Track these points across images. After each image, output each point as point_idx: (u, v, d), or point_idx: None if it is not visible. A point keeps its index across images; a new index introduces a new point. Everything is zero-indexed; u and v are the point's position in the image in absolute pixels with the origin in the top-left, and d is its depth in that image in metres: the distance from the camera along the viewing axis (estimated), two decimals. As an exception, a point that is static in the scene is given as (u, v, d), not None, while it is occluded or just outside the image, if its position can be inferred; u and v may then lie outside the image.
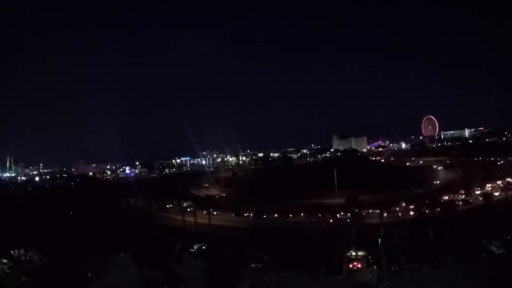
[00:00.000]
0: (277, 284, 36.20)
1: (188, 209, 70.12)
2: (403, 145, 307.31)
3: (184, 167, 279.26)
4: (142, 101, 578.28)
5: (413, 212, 61.67)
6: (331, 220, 59.91)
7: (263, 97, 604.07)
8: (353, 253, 41.67)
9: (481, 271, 35.24)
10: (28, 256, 34.80)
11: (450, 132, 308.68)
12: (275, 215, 70.13)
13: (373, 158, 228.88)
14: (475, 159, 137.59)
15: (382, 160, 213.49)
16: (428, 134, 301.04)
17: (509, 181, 76.57)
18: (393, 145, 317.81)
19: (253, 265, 40.67)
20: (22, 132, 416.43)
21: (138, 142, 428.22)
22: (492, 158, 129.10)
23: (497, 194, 71.09)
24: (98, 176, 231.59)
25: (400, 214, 62.09)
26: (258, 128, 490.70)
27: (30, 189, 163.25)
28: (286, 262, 41.22)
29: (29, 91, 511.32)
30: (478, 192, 73.20)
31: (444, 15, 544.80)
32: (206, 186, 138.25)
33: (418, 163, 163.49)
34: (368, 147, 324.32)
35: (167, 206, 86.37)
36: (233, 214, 74.67)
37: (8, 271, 33.13)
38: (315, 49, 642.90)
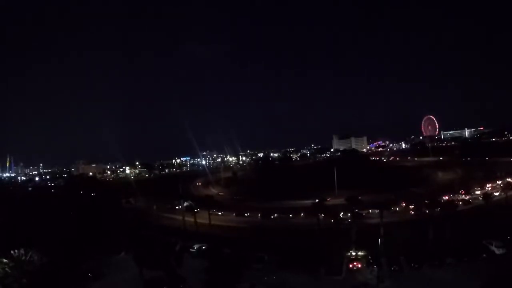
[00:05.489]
0: (277, 284, 36.19)
1: (195, 210, 69.75)
2: (403, 145, 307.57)
3: (184, 167, 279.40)
4: (142, 102, 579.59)
5: (413, 212, 61.67)
6: (332, 220, 59.94)
7: (264, 97, 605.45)
8: (353, 253, 41.64)
9: (481, 271, 35.23)
10: (28, 256, 34.70)
11: (450, 132, 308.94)
12: (275, 215, 70.13)
13: (373, 158, 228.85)
14: (475, 159, 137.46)
15: (384, 160, 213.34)
16: (428, 134, 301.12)
17: (509, 181, 76.54)
18: (393, 145, 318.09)
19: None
20: (22, 132, 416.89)
21: (138, 142, 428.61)
22: (492, 158, 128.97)
23: (497, 194, 71.05)
24: (98, 176, 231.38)
25: (400, 214, 62.09)
26: (258, 128, 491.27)
27: (30, 189, 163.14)
28: (286, 262, 41.24)
29: (30, 91, 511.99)
30: (478, 192, 73.20)
31: (443, 16, 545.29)
32: (206, 186, 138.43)
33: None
34: (368, 147, 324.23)
35: (167, 206, 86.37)
36: (234, 214, 74.76)
37: (9, 271, 33.05)
38: (315, 50, 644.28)
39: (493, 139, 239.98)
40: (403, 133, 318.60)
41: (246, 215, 73.81)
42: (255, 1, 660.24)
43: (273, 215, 69.82)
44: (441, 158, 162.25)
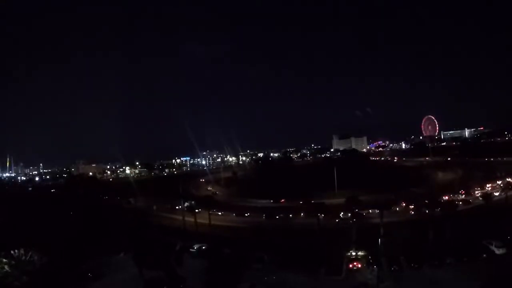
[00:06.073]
0: (277, 284, 36.19)
1: (196, 210, 69.86)
2: (403, 145, 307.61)
3: (184, 167, 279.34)
4: (143, 101, 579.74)
5: (413, 212, 61.65)
6: (336, 220, 59.93)
7: (263, 97, 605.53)
8: (353, 253, 41.64)
9: (481, 271, 35.23)
10: (28, 256, 34.73)
11: (450, 132, 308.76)
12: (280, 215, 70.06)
13: (373, 158, 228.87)
14: (475, 159, 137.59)
15: (389, 159, 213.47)
16: (428, 134, 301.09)
17: (509, 181, 76.53)
18: (393, 145, 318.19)
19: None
20: (22, 132, 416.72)
21: (138, 142, 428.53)
22: (492, 158, 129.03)
23: (497, 194, 71.04)
24: (98, 176, 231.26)
25: (400, 214, 62.10)
26: (258, 128, 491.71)
27: (30, 189, 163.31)
28: (286, 262, 41.24)
29: (30, 91, 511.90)
30: (478, 192, 73.19)
31: (444, 17, 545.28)
32: (206, 186, 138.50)
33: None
34: (368, 147, 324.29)
35: (167, 206, 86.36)
36: (234, 214, 74.81)
37: (9, 271, 33.08)
38: (315, 50, 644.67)
39: (493, 139, 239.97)
40: (403, 133, 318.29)
41: (246, 215, 73.93)
42: (255, 1, 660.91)
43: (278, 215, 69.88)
44: (441, 158, 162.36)
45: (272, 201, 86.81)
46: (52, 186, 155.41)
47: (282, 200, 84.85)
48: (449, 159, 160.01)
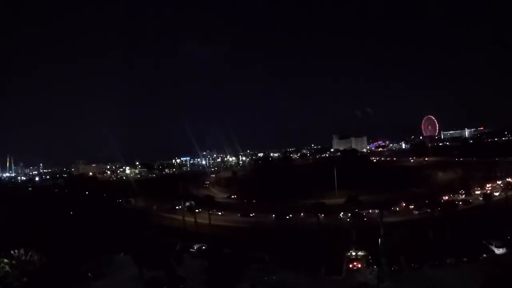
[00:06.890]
0: (277, 284, 36.21)
1: (197, 210, 69.92)
2: (403, 145, 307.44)
3: (184, 167, 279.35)
4: (142, 102, 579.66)
5: (417, 212, 61.58)
6: (348, 220, 59.76)
7: (264, 98, 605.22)
8: (353, 253, 41.67)
9: (481, 271, 35.24)
10: (28, 256, 34.73)
11: (450, 132, 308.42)
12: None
13: (373, 158, 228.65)
14: (475, 159, 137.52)
15: (388, 159, 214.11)
16: (428, 134, 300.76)
17: (509, 181, 76.55)
18: (393, 145, 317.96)
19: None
20: (22, 132, 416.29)
21: (138, 142, 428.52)
22: (492, 158, 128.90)
23: (497, 194, 71.06)
24: (98, 176, 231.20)
25: (400, 214, 62.08)
26: (258, 128, 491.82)
27: (30, 189, 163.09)
28: (287, 262, 41.26)
29: (30, 91, 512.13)
30: (478, 192, 73.20)
31: (444, 17, 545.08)
32: (206, 186, 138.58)
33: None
34: (368, 147, 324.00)
35: (167, 206, 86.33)
36: (239, 215, 74.91)
37: (9, 271, 33.08)
38: (316, 50, 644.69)
39: (493, 139, 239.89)
40: (403, 133, 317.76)
41: (251, 215, 74.11)
42: (256, 1, 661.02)
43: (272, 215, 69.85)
44: (441, 158, 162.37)
45: (226, 196, 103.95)
46: (52, 186, 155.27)
47: (234, 196, 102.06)
48: (426, 159, 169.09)
